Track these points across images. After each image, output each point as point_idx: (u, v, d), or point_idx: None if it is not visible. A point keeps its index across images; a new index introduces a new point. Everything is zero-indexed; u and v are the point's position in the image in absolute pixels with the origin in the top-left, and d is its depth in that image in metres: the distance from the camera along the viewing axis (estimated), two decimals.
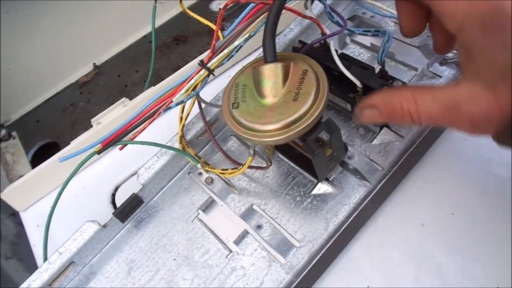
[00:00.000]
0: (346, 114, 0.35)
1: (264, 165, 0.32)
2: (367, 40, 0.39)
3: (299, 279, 0.29)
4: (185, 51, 0.47)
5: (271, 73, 0.27)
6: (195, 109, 0.36)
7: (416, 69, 0.36)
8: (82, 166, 0.33)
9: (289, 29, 0.40)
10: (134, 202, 0.35)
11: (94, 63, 0.49)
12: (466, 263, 0.29)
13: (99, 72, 0.49)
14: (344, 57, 0.33)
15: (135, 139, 0.34)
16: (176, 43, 0.48)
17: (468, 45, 0.21)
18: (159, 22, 0.50)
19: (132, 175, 0.39)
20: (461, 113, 0.21)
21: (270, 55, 0.27)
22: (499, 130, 0.21)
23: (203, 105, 0.35)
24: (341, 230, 0.30)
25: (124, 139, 0.34)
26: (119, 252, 0.34)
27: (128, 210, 0.35)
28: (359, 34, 0.34)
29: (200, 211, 0.34)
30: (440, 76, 0.35)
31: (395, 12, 0.36)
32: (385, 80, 0.31)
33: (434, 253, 0.30)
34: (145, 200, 0.36)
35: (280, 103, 0.27)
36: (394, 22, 0.39)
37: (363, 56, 0.39)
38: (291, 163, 0.34)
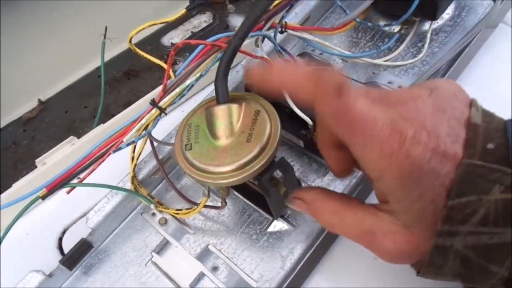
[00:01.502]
0: (299, 149, 0.36)
1: (219, 205, 0.32)
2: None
3: None
4: (136, 85, 0.46)
5: (223, 114, 0.27)
6: (147, 147, 0.35)
7: None
8: (25, 211, 0.32)
9: (241, 66, 0.41)
10: (83, 247, 0.33)
11: (39, 99, 0.47)
12: None
13: (45, 107, 0.47)
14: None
15: (84, 181, 0.32)
16: (127, 78, 0.47)
17: (385, 192, 0.22)
18: (108, 55, 0.49)
19: (81, 217, 0.37)
20: (378, 243, 0.23)
21: (223, 96, 0.28)
22: (416, 263, 0.23)
23: (155, 144, 0.34)
24: (297, 269, 0.30)
25: (72, 181, 0.32)
26: None
27: (76, 256, 0.33)
28: None
29: (154, 253, 0.33)
30: None
31: (342, 50, 0.38)
32: None
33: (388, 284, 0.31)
34: (95, 244, 0.34)
35: (233, 144, 0.27)
36: (342, 59, 0.41)
37: None
38: (246, 201, 0.34)
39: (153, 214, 0.35)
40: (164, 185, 0.37)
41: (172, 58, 0.31)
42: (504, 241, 0.20)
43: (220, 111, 0.27)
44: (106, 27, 0.42)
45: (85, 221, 0.33)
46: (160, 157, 0.35)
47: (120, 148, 0.32)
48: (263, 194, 0.29)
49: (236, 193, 0.35)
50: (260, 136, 0.27)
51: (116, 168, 0.36)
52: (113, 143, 0.32)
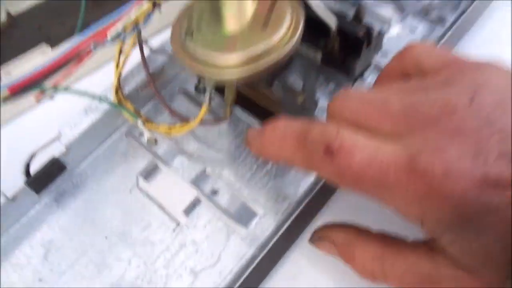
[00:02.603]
0: (314, 68, 0.31)
1: (221, 118, 0.27)
2: None
3: (264, 252, 0.24)
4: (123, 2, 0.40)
5: None
6: (135, 59, 0.29)
7: (389, 22, 0.32)
8: None
9: None
10: (54, 168, 0.28)
11: (8, 12, 0.40)
12: None
13: (14, 23, 0.40)
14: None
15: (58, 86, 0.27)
16: None
17: (435, 237, 0.18)
18: None
19: (54, 140, 0.32)
20: None
21: None
22: None
23: (146, 51, 0.29)
24: (313, 193, 0.25)
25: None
26: (33, 232, 0.27)
27: (45, 178, 0.28)
28: None
29: (140, 178, 0.28)
30: (413, 31, 0.32)
31: None
32: (360, 24, 0.27)
33: None
34: (69, 166, 0.29)
35: (245, 32, 0.22)
36: None
37: (332, 6, 0.35)
38: (251, 122, 0.29)
39: (140, 134, 0.29)
40: (154, 105, 0.31)
41: None
42: None
43: None
44: None
45: (58, 138, 0.28)
46: (151, 70, 0.30)
47: (103, 44, 0.26)
48: (276, 99, 0.24)
49: (238, 114, 0.29)
50: (279, 23, 0.22)
51: (98, 86, 0.30)
52: (95, 39, 0.27)
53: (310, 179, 0.25)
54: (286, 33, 0.22)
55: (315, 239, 0.23)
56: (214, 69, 0.22)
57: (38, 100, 0.26)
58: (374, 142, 0.17)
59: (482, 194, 0.15)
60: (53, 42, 0.37)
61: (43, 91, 0.27)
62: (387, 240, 0.20)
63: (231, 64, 0.21)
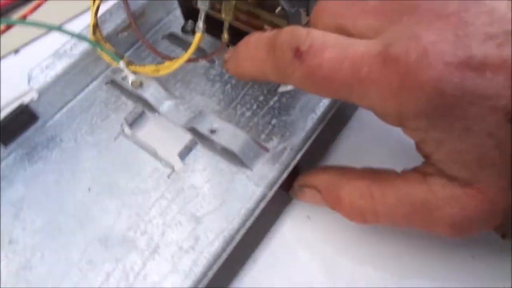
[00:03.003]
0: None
1: (219, 48, 0.24)
2: None
3: (273, 190, 0.21)
4: None
5: None
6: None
7: None
8: None
9: None
10: (24, 117, 0.24)
11: None
12: None
13: None
14: None
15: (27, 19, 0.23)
16: None
17: (418, 140, 0.16)
18: None
19: (25, 93, 0.28)
20: (438, 218, 0.16)
21: None
22: (497, 225, 0.16)
23: None
24: (320, 127, 0.23)
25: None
26: (0, 190, 0.23)
27: (14, 128, 0.24)
28: None
29: (125, 126, 0.25)
30: None
31: None
32: None
33: None
34: (41, 116, 0.25)
35: None
36: None
37: None
38: None
39: (124, 78, 0.26)
40: (135, 51, 0.28)
41: None
42: None
43: None
44: None
45: (27, 80, 0.24)
46: (132, 9, 0.27)
47: None
48: (281, 15, 0.21)
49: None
50: None
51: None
52: None
53: (320, 109, 0.23)
54: None
55: (296, 190, 0.22)
56: None
57: (4, 31, 0.23)
58: (347, 40, 0.16)
59: (464, 79, 0.14)
60: None
61: (8, 26, 0.23)
62: (374, 174, 0.18)
63: None
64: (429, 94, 0.14)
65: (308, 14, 0.22)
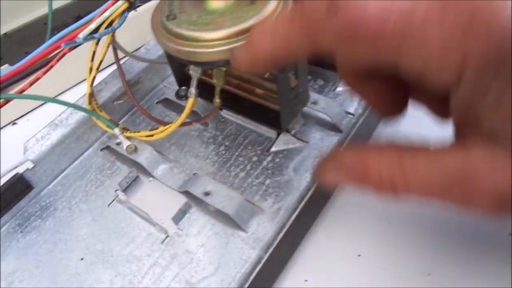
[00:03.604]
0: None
1: (211, 110, 0.25)
2: None
3: (269, 253, 0.21)
4: None
5: None
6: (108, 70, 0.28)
7: None
8: None
9: None
10: (18, 186, 0.24)
11: None
12: None
13: None
14: None
15: (24, 93, 0.24)
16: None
17: (472, 100, 0.14)
18: (57, 4, 0.42)
19: (22, 163, 0.28)
20: (478, 187, 0.15)
21: None
22: None
23: (120, 55, 0.27)
24: (314, 187, 0.23)
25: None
26: None
27: (8, 198, 0.24)
28: None
29: (119, 191, 0.25)
30: None
31: None
32: None
33: None
34: (36, 186, 0.25)
35: (233, 7, 0.21)
36: None
37: None
38: (240, 121, 0.27)
39: (118, 143, 0.26)
40: (131, 117, 0.29)
41: None
42: None
43: None
44: None
45: (23, 151, 0.25)
46: (127, 78, 0.28)
47: (75, 43, 0.24)
48: (271, 79, 0.22)
49: (225, 115, 0.28)
50: None
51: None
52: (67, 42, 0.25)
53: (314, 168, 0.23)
54: (276, 6, 0.21)
55: (317, 175, 0.19)
56: (203, 48, 0.20)
57: (1, 106, 0.23)
58: None
59: None
60: None
61: (7, 101, 0.24)
62: (403, 146, 0.16)
63: (221, 42, 0.20)
64: (500, 39, 0.12)
65: (297, 78, 0.23)
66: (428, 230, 0.23)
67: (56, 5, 0.42)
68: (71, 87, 0.35)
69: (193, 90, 0.23)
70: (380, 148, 0.17)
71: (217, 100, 0.23)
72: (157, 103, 0.29)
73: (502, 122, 0.14)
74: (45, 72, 0.25)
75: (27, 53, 0.25)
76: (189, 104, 0.23)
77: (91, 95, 0.26)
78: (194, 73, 0.22)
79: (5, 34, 0.41)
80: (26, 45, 0.39)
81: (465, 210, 0.16)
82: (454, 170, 0.15)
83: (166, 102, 0.29)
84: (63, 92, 0.35)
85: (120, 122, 0.28)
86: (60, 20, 0.41)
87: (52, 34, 0.34)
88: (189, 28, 0.20)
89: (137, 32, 0.30)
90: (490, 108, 0.14)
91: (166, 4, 0.22)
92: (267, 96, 0.25)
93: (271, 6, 0.20)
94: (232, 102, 0.26)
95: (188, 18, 0.21)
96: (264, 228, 0.22)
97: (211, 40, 0.20)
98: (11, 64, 0.27)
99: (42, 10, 0.43)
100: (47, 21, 0.34)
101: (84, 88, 0.26)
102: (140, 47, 0.30)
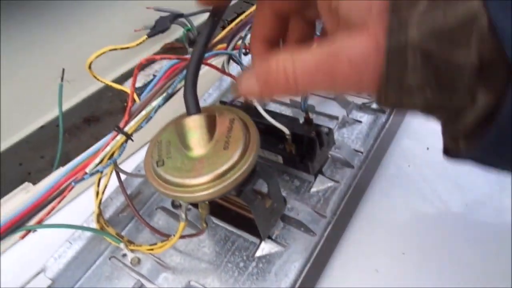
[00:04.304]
0: (278, 168, 0.34)
1: (199, 231, 0.29)
2: (286, 98, 0.40)
3: None
4: (98, 130, 0.44)
5: (196, 124, 0.25)
6: (113, 183, 0.32)
7: (337, 118, 0.36)
8: None
9: (207, 94, 0.39)
10: None
11: None
12: None
13: None
14: (267, 112, 0.33)
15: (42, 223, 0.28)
16: (87, 124, 0.44)
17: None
18: (67, 105, 0.47)
19: (39, 273, 0.32)
20: (339, 60, 0.19)
21: (193, 106, 0.26)
22: (379, 82, 0.18)
23: (122, 177, 0.31)
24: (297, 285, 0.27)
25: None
26: None
27: None
28: None
29: None
30: (360, 122, 0.36)
31: None
32: (311, 126, 0.31)
33: None
34: None
35: (210, 154, 0.25)
36: None
37: (285, 112, 0.39)
38: (228, 227, 0.31)
39: (124, 255, 0.30)
40: (134, 224, 0.33)
41: (136, 77, 0.30)
42: (459, 12, 0.16)
43: (192, 121, 0.25)
44: (63, 70, 0.40)
45: (43, 271, 0.29)
46: (128, 192, 0.32)
47: (83, 179, 0.28)
48: (247, 205, 0.26)
49: (215, 220, 0.31)
50: (238, 142, 0.25)
51: (81, 213, 0.32)
52: (75, 177, 0.29)
53: (292, 273, 0.27)
54: (245, 148, 0.25)
55: (235, 88, 0.22)
56: (187, 193, 0.24)
57: (23, 237, 0.28)
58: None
59: None
60: (34, 177, 0.40)
61: (28, 232, 0.29)
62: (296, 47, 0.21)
63: (201, 185, 0.24)
64: None
65: (270, 198, 0.27)
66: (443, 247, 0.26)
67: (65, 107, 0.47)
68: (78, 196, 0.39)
69: (183, 215, 0.27)
70: (279, 51, 0.21)
71: (204, 225, 0.27)
72: (157, 209, 0.33)
73: (350, 9, 0.19)
74: (60, 201, 0.29)
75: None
76: (180, 228, 0.27)
77: (99, 215, 0.30)
78: (183, 205, 0.26)
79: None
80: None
81: (336, 90, 0.20)
82: (324, 54, 0.19)
83: (164, 208, 0.33)
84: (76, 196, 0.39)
85: (125, 229, 0.33)
86: (69, 122, 0.45)
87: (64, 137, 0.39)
88: (174, 175, 0.24)
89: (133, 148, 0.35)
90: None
91: (156, 148, 0.26)
92: (247, 209, 0.29)
93: (239, 150, 0.24)
94: (219, 211, 0.30)
95: (173, 164, 0.25)
96: None
97: (193, 186, 0.24)
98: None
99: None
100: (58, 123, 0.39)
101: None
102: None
